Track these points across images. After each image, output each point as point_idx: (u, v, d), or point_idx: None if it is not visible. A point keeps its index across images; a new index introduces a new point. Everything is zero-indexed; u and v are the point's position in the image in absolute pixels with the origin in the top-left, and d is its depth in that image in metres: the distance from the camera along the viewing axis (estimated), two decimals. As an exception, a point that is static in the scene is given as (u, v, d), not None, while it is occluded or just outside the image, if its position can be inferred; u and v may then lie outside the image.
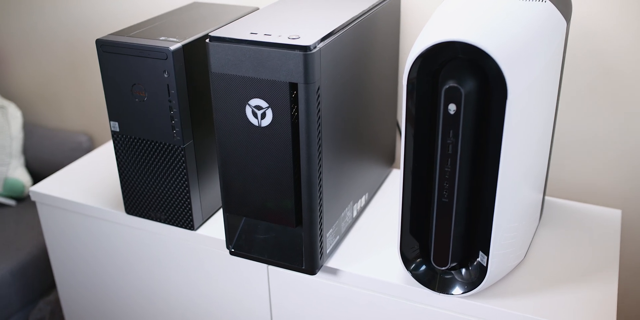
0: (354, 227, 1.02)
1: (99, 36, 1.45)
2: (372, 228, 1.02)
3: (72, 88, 1.56)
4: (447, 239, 0.80)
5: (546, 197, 1.11)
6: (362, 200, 1.04)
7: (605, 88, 1.04)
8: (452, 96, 0.71)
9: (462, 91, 0.71)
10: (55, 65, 1.56)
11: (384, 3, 0.96)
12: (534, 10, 0.77)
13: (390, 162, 1.16)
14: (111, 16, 1.41)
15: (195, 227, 1.02)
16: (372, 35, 0.93)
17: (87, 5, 1.42)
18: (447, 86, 0.71)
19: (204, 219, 1.04)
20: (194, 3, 1.11)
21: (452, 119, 0.73)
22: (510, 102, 0.70)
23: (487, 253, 0.81)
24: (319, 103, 0.79)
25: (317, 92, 0.78)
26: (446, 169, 0.76)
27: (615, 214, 1.05)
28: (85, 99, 1.56)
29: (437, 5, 1.09)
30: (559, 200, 1.09)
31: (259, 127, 0.82)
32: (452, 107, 0.72)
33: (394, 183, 1.15)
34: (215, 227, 1.03)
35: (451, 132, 0.74)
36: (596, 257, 0.94)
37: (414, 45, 0.75)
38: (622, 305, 1.19)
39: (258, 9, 1.07)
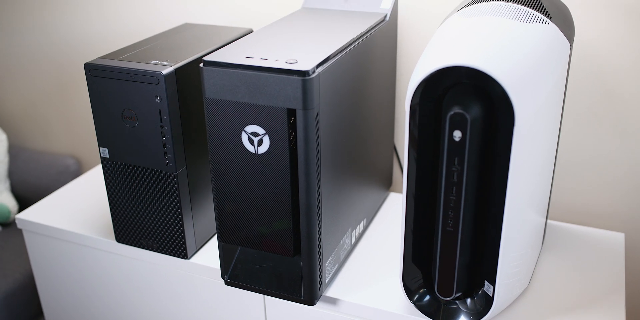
0: (353, 254, 0.99)
1: (88, 57, 1.42)
2: (371, 255, 0.99)
3: (60, 110, 1.53)
4: (452, 269, 0.78)
5: (548, 221, 1.09)
6: (360, 226, 1.01)
7: (606, 110, 1.02)
8: (458, 123, 0.69)
9: (468, 117, 0.68)
10: (42, 87, 1.52)
11: (380, 25, 0.94)
12: (537, 33, 0.75)
13: (388, 185, 1.13)
14: (100, 37, 1.38)
15: (189, 256, 0.98)
16: (369, 59, 0.91)
17: (76, 26, 1.39)
18: (452, 112, 0.69)
19: (198, 247, 1.00)
20: (186, 24, 1.08)
21: (457, 146, 0.70)
22: (517, 129, 0.68)
23: (493, 283, 0.78)
24: (317, 129, 0.77)
25: (315, 118, 0.76)
26: (451, 197, 0.73)
27: (619, 238, 1.03)
28: (73, 121, 1.53)
29: (435, 26, 1.07)
30: (561, 224, 1.07)
31: (256, 154, 0.80)
32: (457, 134, 0.70)
33: (391, 207, 1.12)
34: (209, 255, 0.99)
35: (456, 159, 0.71)
36: (601, 283, 0.92)
37: (416, 69, 0.73)
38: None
39: (251, 30, 1.05)
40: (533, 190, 0.78)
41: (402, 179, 1.19)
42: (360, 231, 1.01)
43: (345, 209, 0.92)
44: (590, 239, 1.03)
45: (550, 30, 0.77)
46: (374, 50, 0.93)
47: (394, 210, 1.11)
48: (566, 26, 0.83)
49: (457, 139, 0.70)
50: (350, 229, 0.95)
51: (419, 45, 1.09)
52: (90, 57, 1.41)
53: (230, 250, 0.90)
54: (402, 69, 1.12)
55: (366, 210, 1.02)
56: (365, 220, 1.03)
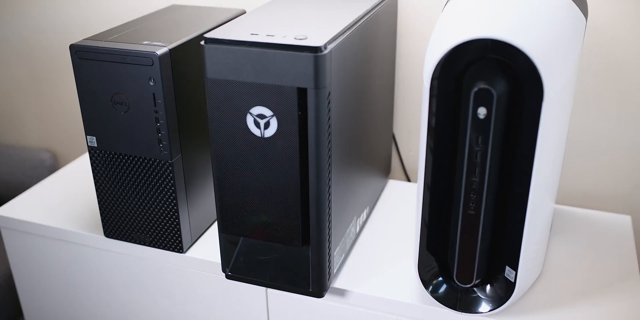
0: (357, 243, 0.95)
1: (64, 45, 1.34)
2: (376, 244, 0.95)
3: (34, 101, 1.45)
4: (473, 254, 0.74)
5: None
6: (364, 215, 0.97)
7: (611, 90, 0.99)
8: (483, 99, 0.65)
9: (494, 93, 0.64)
10: (14, 77, 1.45)
11: (383, 3, 0.90)
12: (554, 5, 0.71)
13: (387, 173, 1.09)
14: (75, 23, 1.31)
15: (184, 250, 0.93)
16: (375, 38, 0.87)
17: (50, 12, 1.32)
18: (476, 88, 0.65)
19: (194, 240, 0.95)
20: (173, 6, 1.02)
21: (481, 124, 0.66)
22: (546, 104, 0.64)
23: (515, 268, 0.74)
24: (329, 110, 0.72)
25: (327, 97, 0.71)
26: (473, 179, 0.70)
27: (626, 220, 1.00)
28: (49, 113, 1.45)
29: (435, 5, 1.03)
30: (566, 208, 1.04)
31: (262, 137, 0.75)
32: (482, 111, 0.66)
33: (391, 195, 1.08)
34: (206, 248, 0.94)
35: (480, 138, 0.67)
36: (614, 267, 0.89)
37: (432, 44, 0.69)
38: None
39: (244, 11, 1.00)
40: (553, 172, 0.75)
41: (401, 167, 1.15)
42: (364, 219, 0.97)
43: (352, 196, 0.87)
44: (597, 223, 1.00)
45: (565, 3, 0.73)
46: (380, 28, 0.88)
47: (394, 197, 1.07)
48: (579, 0, 0.79)
49: (481, 117, 0.66)
50: (355, 217, 0.91)
51: (418, 24, 1.05)
52: (66, 46, 1.34)
53: (231, 242, 0.85)
54: (402, 51, 1.08)
55: (369, 198, 0.98)
56: (368, 208, 0.99)
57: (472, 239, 0.73)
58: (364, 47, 0.82)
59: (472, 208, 0.71)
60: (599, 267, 0.89)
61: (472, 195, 0.70)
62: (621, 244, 0.95)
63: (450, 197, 0.75)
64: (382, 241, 0.95)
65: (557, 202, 1.11)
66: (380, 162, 1.03)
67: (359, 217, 0.94)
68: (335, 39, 0.72)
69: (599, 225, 0.99)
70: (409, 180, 1.17)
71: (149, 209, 0.90)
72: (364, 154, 0.91)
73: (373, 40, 0.86)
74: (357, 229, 0.94)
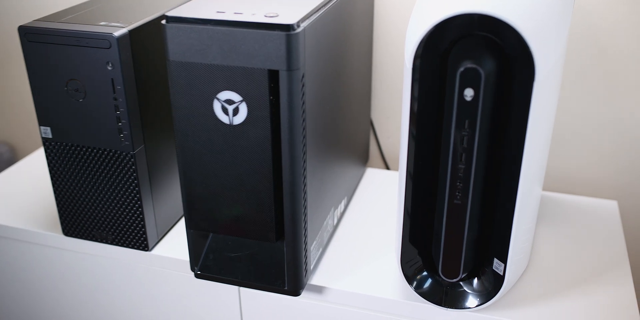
0: (335, 236, 0.90)
1: (12, 27, 1.26)
2: (355, 236, 0.89)
3: (-14, 93, 1.37)
4: (459, 247, 0.69)
5: (535, 193, 1.02)
6: (342, 205, 0.92)
7: (597, 72, 0.95)
8: (470, 79, 0.60)
9: (482, 73, 0.59)
10: (-36, 67, 1.36)
11: (358, -20, 0.84)
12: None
13: (365, 161, 1.04)
14: (28, 3, 1.23)
15: (150, 247, 0.87)
16: (351, 18, 0.81)
17: (0, -4, 1.24)
18: (462, 68, 0.60)
19: (160, 237, 0.89)
20: (132, -13, 0.96)
21: (468, 107, 0.61)
22: (537, 84, 0.60)
23: (504, 260, 0.70)
24: (303, 94, 0.66)
25: (301, 80, 0.65)
26: (460, 166, 0.65)
27: (612, 206, 0.97)
28: (3, 103, 1.37)
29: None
30: (551, 194, 1.00)
31: (231, 125, 0.69)
32: (469, 93, 0.61)
33: (370, 184, 1.03)
34: (173, 245, 0.88)
35: (467, 121, 0.62)
36: (603, 254, 0.85)
37: (413, 23, 0.63)
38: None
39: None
40: (542, 157, 0.70)
41: (379, 154, 1.10)
42: (341, 210, 0.92)
43: (329, 186, 0.82)
44: (583, 209, 0.96)
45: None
46: (356, 7, 0.83)
47: (373, 187, 1.02)
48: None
49: (468, 99, 0.61)
50: (332, 209, 0.86)
51: (397, 6, 1.00)
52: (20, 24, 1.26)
53: (200, 239, 0.79)
54: (379, 32, 1.03)
55: (347, 187, 0.93)
56: (346, 198, 0.93)
57: (458, 231, 0.68)
58: (340, 26, 0.77)
59: (458, 197, 0.66)
60: (588, 255, 0.85)
61: (458, 183, 0.65)
62: (609, 230, 0.91)
63: (434, 186, 0.70)
64: (362, 233, 0.90)
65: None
66: (358, 149, 0.97)
67: (337, 208, 0.88)
68: (308, 17, 0.66)
69: (585, 212, 0.95)
70: (387, 168, 1.12)
71: (111, 204, 0.84)
72: (341, 141, 0.86)
73: (349, 20, 0.81)
74: (335, 221, 0.89)
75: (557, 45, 0.61)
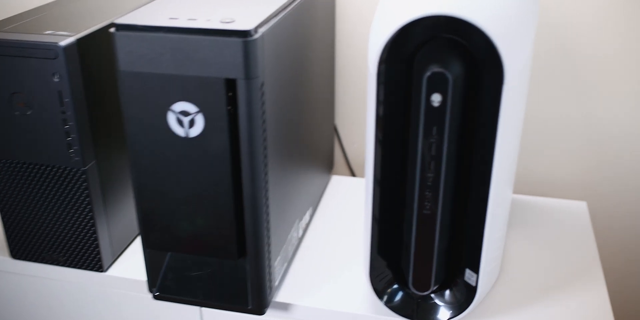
0: (300, 249, 0.86)
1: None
2: (321, 249, 0.86)
3: None
4: (430, 259, 0.67)
5: (501, 199, 1.00)
6: (307, 217, 0.88)
7: (562, 69, 0.94)
8: (437, 84, 0.58)
9: (450, 77, 0.57)
10: None
11: (316, -16, 0.81)
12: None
13: (329, 168, 1.01)
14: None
15: (105, 268, 0.82)
16: (312, 20, 0.78)
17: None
18: (429, 73, 0.57)
19: (115, 256, 0.84)
20: (79, -6, 0.91)
21: (436, 113, 0.59)
22: (507, 87, 0.57)
23: (476, 270, 0.68)
24: (263, 103, 0.63)
25: (260, 89, 0.62)
26: (428, 175, 0.62)
27: (582, 207, 0.95)
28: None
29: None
30: (519, 196, 0.98)
31: (187, 138, 0.65)
32: (436, 98, 0.58)
33: (336, 192, 1.00)
34: (129, 265, 0.84)
35: (435, 128, 0.60)
36: (574, 257, 0.84)
37: (376, 26, 0.61)
38: (613, 301, 1.10)
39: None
40: (513, 161, 0.68)
41: (345, 161, 1.07)
42: (307, 221, 0.89)
43: (293, 197, 0.79)
44: (552, 211, 0.95)
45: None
46: (316, 10, 0.80)
47: (338, 195, 0.99)
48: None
49: (436, 104, 0.59)
50: (297, 221, 0.83)
51: (360, 9, 0.97)
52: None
53: (157, 258, 0.75)
54: (342, 36, 1.00)
55: (311, 197, 0.90)
56: (311, 208, 0.90)
57: (428, 243, 0.66)
58: (300, 30, 0.74)
59: (427, 207, 0.64)
60: (559, 260, 0.83)
61: (427, 193, 0.63)
62: (579, 232, 0.89)
63: (403, 195, 0.67)
64: (329, 245, 0.87)
65: (505, 195, 1.06)
66: (323, 157, 0.94)
67: (301, 219, 0.85)
68: (266, 22, 0.63)
69: (555, 214, 0.94)
70: (353, 175, 1.09)
71: (62, 224, 0.79)
72: (304, 149, 0.82)
73: (309, 23, 0.78)
74: (300, 233, 0.86)
75: (525, 47, 0.60)
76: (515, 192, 1.05)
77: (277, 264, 0.75)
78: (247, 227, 0.68)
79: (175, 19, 0.63)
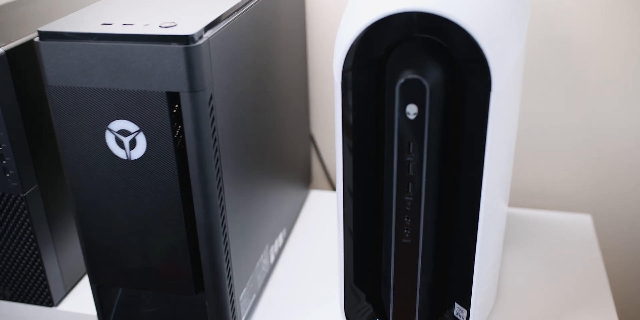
0: (273, 276, 0.78)
1: None
2: (295, 277, 0.78)
3: None
4: (412, 293, 0.58)
5: (497, 211, 0.91)
6: (280, 239, 0.80)
7: (561, 69, 0.85)
8: (412, 93, 0.49)
9: (427, 85, 0.48)
10: None
11: (281, -19, 0.73)
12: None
13: (307, 182, 0.93)
14: None
15: (56, 302, 0.74)
16: (276, 21, 0.70)
17: None
18: (402, 80, 0.49)
19: (67, 289, 0.76)
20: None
21: (412, 126, 0.50)
22: (495, 95, 0.49)
23: (467, 305, 0.59)
24: (213, 119, 0.55)
25: (209, 103, 0.54)
26: (407, 199, 0.53)
27: (586, 221, 0.87)
28: None
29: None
30: (516, 210, 0.90)
31: (128, 160, 0.57)
32: (411, 110, 0.50)
33: (314, 209, 0.91)
34: (82, 298, 0.75)
35: (411, 144, 0.51)
36: (579, 278, 0.75)
37: (343, 26, 0.52)
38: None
39: None
40: (506, 176, 0.60)
41: (324, 174, 0.99)
42: (280, 245, 0.80)
43: (260, 220, 0.70)
44: (553, 225, 0.86)
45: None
46: (281, 10, 0.71)
47: (317, 211, 0.90)
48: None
49: (411, 117, 0.50)
50: (267, 246, 0.74)
51: (333, 8, 0.89)
52: None
53: (108, 293, 0.67)
54: (314, 38, 0.91)
55: (285, 216, 0.81)
56: (284, 230, 0.82)
57: (410, 276, 0.57)
58: (260, 34, 0.65)
59: (407, 235, 0.55)
60: (562, 281, 0.75)
61: (406, 219, 0.54)
62: (584, 249, 0.81)
63: (381, 216, 0.58)
64: (305, 273, 0.78)
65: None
66: (299, 170, 0.86)
67: (272, 244, 0.77)
68: (214, 25, 0.54)
69: (556, 229, 0.85)
70: (334, 188, 1.01)
71: (4, 256, 0.71)
72: (275, 164, 0.74)
73: (272, 25, 0.69)
74: (272, 260, 0.77)
75: (514, 47, 0.51)
76: (510, 204, 0.96)
77: (243, 297, 0.67)
78: (204, 261, 0.60)
79: (109, 24, 0.54)
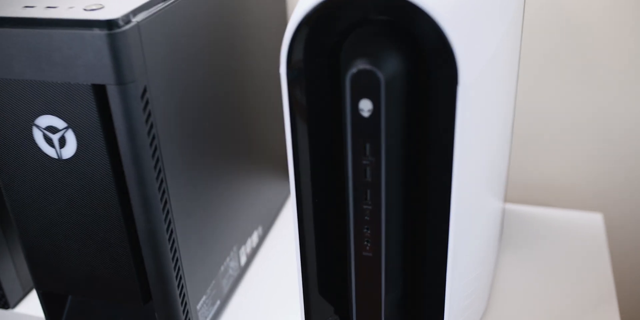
0: (244, 279, 0.72)
1: None
2: (271, 278, 0.72)
3: None
4: (376, 311, 0.51)
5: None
6: (254, 239, 0.74)
7: (570, 55, 0.77)
8: (364, 87, 0.42)
9: (381, 77, 0.41)
10: None
11: (249, -45, 0.65)
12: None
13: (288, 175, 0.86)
14: None
15: (12, 304, 0.69)
16: (239, 3, 0.63)
17: None
18: (354, 70, 0.42)
19: (25, 291, 0.71)
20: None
21: (367, 125, 0.43)
22: (463, 90, 0.41)
23: (441, 323, 0.52)
24: (149, 114, 0.48)
25: (142, 96, 0.47)
26: (365, 207, 0.47)
27: (596, 219, 0.79)
28: None
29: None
30: (519, 207, 0.82)
31: (60, 160, 0.51)
32: (365, 106, 0.43)
33: (297, 205, 0.85)
34: (41, 300, 0.71)
35: (368, 146, 0.44)
36: (583, 285, 0.68)
37: (298, 5, 0.45)
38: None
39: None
40: (487, 176, 0.53)
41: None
42: (253, 245, 0.74)
43: (223, 220, 0.64)
44: (560, 224, 0.78)
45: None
46: (241, -9, 0.64)
47: (300, 209, 0.84)
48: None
49: (365, 114, 0.43)
50: (235, 247, 0.68)
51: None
52: None
53: (57, 300, 0.62)
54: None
55: (260, 214, 0.75)
56: (260, 228, 0.75)
57: (373, 292, 0.50)
58: (219, 15, 0.58)
59: (367, 248, 0.48)
60: (567, 289, 0.68)
61: (365, 230, 0.47)
62: (593, 252, 0.73)
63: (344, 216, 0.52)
64: (282, 273, 0.72)
65: (506, 200, 0.89)
66: (278, 163, 0.79)
67: (243, 244, 0.71)
68: (149, 8, 0.48)
69: (563, 228, 0.78)
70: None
71: (-47, 255, 0.66)
72: (245, 158, 0.68)
73: (237, 6, 0.62)
74: (243, 261, 0.71)
75: (492, 34, 0.43)
76: (511, 200, 0.88)
77: (202, 306, 0.61)
78: (148, 269, 0.54)
79: (32, 7, 0.48)
